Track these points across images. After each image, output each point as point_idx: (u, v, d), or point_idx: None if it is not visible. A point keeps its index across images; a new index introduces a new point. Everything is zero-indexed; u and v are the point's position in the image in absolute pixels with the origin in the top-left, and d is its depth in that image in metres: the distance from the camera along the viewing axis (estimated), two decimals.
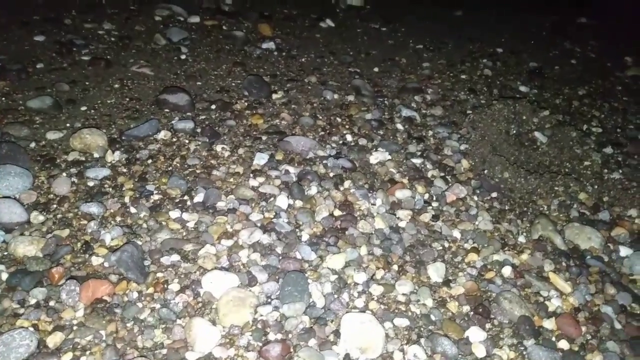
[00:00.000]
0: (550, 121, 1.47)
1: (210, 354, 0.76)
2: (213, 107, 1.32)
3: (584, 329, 0.89)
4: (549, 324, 0.88)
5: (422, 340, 0.82)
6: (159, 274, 0.86)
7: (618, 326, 0.90)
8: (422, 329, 0.84)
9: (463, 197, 1.15)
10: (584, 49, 2.16)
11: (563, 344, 0.85)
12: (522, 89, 1.71)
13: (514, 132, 1.42)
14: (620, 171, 1.35)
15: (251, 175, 1.10)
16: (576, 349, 0.85)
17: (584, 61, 2.05)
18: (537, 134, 1.42)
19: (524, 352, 0.83)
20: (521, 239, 1.07)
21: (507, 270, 0.97)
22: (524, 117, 1.46)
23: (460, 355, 0.81)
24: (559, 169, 1.33)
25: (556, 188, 1.24)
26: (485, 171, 1.26)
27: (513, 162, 1.30)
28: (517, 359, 0.82)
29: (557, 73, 1.90)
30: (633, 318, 0.92)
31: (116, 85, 1.35)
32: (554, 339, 0.86)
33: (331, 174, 1.15)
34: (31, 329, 0.74)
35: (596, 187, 1.27)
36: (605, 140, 1.49)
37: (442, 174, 1.21)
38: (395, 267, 0.95)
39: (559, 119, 1.51)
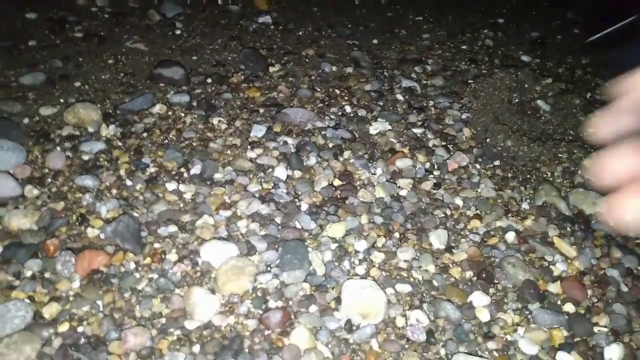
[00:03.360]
0: (553, 89, 1.44)
1: (210, 322, 0.75)
2: (209, 80, 1.29)
3: (589, 292, 0.87)
4: (554, 287, 0.87)
5: (425, 306, 0.81)
6: (156, 245, 0.84)
7: (624, 289, 0.89)
8: (424, 294, 0.83)
9: (465, 165, 1.12)
10: (586, 17, 2.11)
11: (569, 307, 0.84)
12: (524, 58, 1.68)
13: (517, 100, 1.39)
14: None
15: (249, 147, 1.08)
16: (582, 311, 0.84)
17: (586, 30, 2.01)
18: (540, 102, 1.39)
19: (529, 316, 0.82)
20: (525, 205, 1.05)
21: (510, 236, 0.95)
22: (526, 86, 1.43)
23: (464, 320, 0.79)
24: (563, 136, 1.31)
25: (560, 155, 1.21)
26: (488, 140, 1.23)
27: (516, 130, 1.28)
28: (522, 323, 0.81)
29: (560, 42, 1.86)
30: (639, 280, 0.90)
31: (110, 61, 1.33)
32: (559, 302, 0.85)
33: (330, 145, 1.13)
34: (27, 300, 0.73)
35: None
36: None
37: (444, 143, 1.19)
38: (397, 234, 0.93)
39: (562, 87, 1.48)
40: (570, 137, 1.30)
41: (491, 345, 0.77)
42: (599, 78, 1.64)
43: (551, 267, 0.91)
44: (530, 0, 2.20)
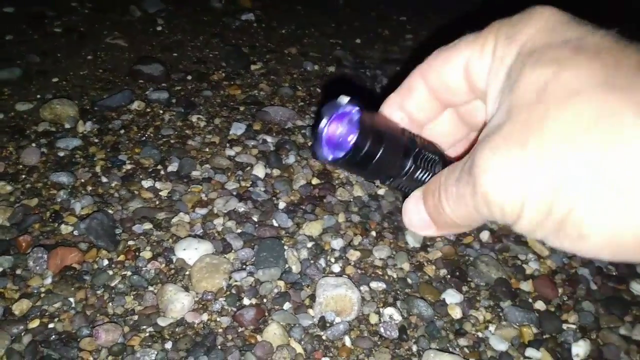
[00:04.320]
0: None
1: (183, 319, 0.75)
2: (189, 77, 1.29)
3: (560, 290, 0.89)
4: (526, 286, 0.88)
5: (398, 303, 0.82)
6: (130, 242, 0.84)
7: (594, 287, 0.90)
8: (398, 292, 0.84)
9: None
10: None
11: (539, 305, 0.85)
12: None
13: None
14: None
15: (227, 144, 1.08)
16: (552, 309, 0.85)
17: None
18: None
19: (501, 313, 0.83)
20: None
21: (485, 235, 0.96)
22: None
23: (436, 317, 0.80)
24: None
25: None
26: None
27: None
28: (493, 320, 0.82)
29: None
30: (608, 279, 0.92)
31: (89, 57, 1.31)
32: (530, 300, 0.86)
33: (310, 144, 1.13)
34: None
35: None
36: None
37: None
38: (373, 233, 0.94)
39: None
40: None
41: (462, 341, 0.78)
42: None
43: (524, 265, 0.92)
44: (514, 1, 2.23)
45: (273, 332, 0.73)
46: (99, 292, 0.76)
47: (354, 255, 0.88)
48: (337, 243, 0.90)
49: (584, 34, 0.25)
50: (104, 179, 0.95)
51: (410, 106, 0.33)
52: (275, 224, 0.92)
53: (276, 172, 1.04)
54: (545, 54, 0.25)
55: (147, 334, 0.72)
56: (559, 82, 0.24)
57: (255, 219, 0.93)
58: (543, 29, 0.26)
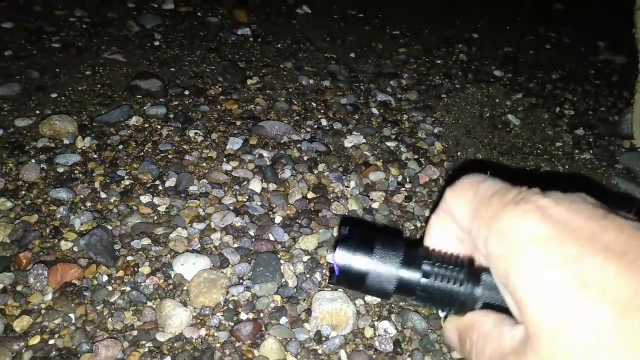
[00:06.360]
0: (523, 104, 1.49)
1: (182, 334, 0.76)
2: (186, 92, 1.31)
3: None
4: None
5: (393, 316, 0.83)
6: (129, 258, 0.85)
7: None
8: (392, 305, 0.86)
9: (436, 178, 1.16)
10: (558, 34, 2.18)
11: None
12: (497, 73, 1.73)
13: (487, 115, 1.44)
14: (591, 151, 1.38)
15: (224, 159, 1.10)
16: None
17: (558, 46, 2.07)
18: (510, 116, 1.44)
19: None
20: None
21: None
22: (497, 100, 1.48)
23: (430, 330, 0.82)
24: (531, 150, 1.35)
25: (528, 169, 1.26)
26: (459, 153, 1.27)
27: (486, 144, 1.32)
28: None
29: (532, 58, 1.92)
30: None
31: (87, 72, 1.33)
32: None
33: (305, 158, 1.15)
34: None
35: (567, 166, 1.30)
36: (577, 122, 1.51)
37: (416, 156, 1.22)
38: None
39: (532, 102, 1.53)
40: (539, 151, 1.35)
41: (456, 355, 0.79)
42: (569, 93, 1.70)
43: None
44: (505, 14, 2.27)
45: (270, 347, 0.75)
46: (98, 307, 0.78)
47: None
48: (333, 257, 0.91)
49: (583, 270, 0.25)
50: (103, 195, 0.96)
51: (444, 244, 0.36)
52: (272, 238, 0.94)
53: (272, 186, 1.05)
54: (547, 300, 0.25)
55: (147, 349, 0.73)
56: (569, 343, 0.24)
57: (251, 233, 0.94)
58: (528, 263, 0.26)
